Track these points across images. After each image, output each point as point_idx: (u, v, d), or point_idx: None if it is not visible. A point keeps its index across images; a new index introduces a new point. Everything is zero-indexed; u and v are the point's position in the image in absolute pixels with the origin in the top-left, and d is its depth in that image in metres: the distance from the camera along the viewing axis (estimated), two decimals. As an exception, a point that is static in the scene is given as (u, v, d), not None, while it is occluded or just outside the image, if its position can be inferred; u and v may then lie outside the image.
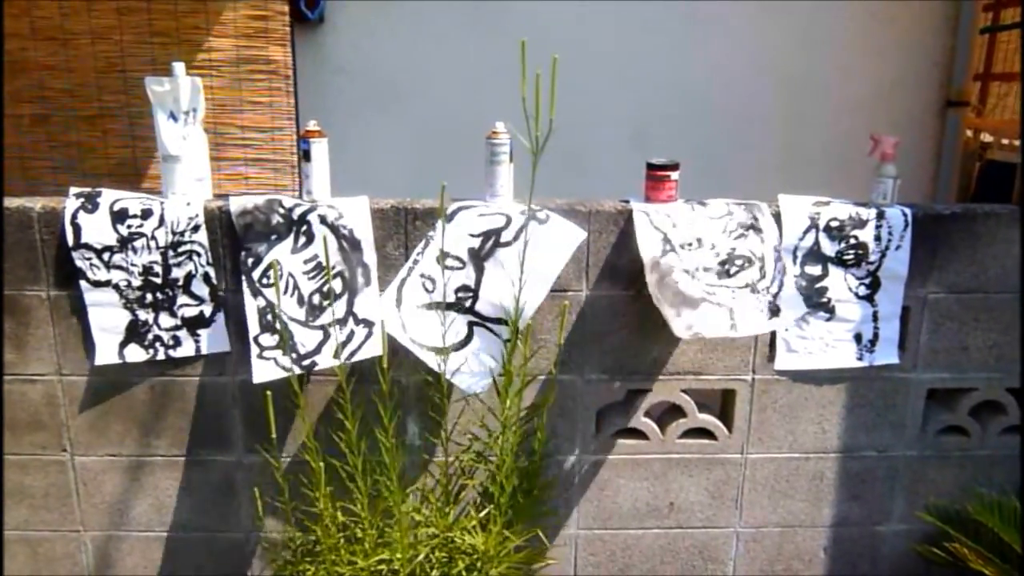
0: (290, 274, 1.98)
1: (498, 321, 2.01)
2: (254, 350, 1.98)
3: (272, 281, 1.96)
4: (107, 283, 1.99)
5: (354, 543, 1.99)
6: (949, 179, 3.67)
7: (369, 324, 2.02)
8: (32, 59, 2.63)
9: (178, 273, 2.00)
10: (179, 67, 2.01)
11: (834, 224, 2.07)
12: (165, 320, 2.03)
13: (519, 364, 1.92)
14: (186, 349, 2.04)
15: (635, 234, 2.00)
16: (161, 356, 2.04)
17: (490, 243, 1.99)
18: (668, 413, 2.23)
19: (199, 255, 1.99)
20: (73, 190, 1.99)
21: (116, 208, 1.97)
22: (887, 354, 2.15)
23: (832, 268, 2.10)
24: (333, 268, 1.99)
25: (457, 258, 2.01)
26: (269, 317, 1.99)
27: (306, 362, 1.99)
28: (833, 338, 2.14)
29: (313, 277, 2.00)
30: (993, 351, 2.19)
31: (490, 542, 1.90)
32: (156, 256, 1.98)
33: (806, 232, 2.08)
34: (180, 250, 1.99)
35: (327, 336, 2.00)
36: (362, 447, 1.88)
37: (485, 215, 2.01)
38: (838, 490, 2.27)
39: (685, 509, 2.26)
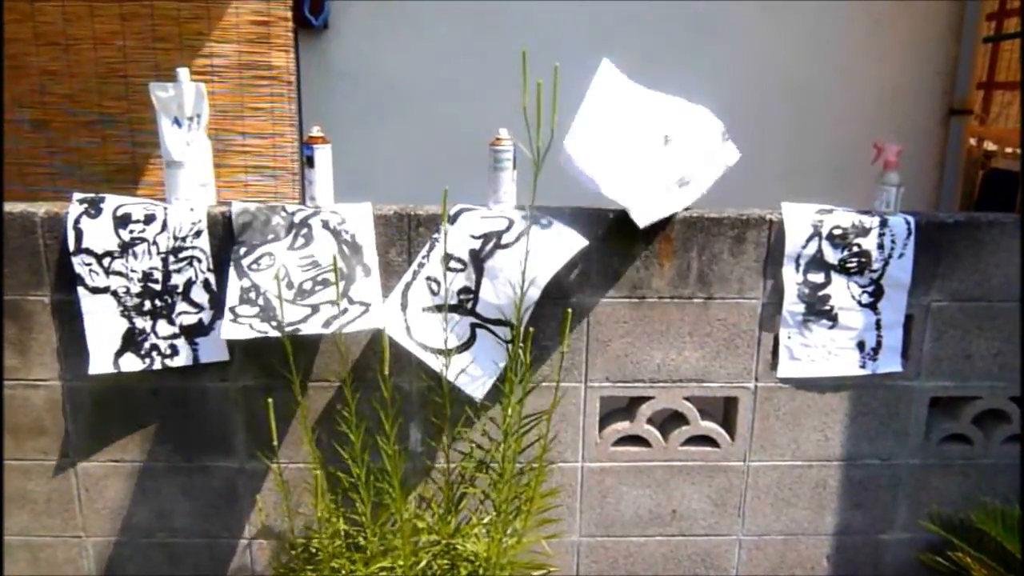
0: (284, 265, 1.95)
1: (498, 323, 2.01)
2: (227, 316, 1.88)
3: (262, 268, 1.92)
4: (105, 289, 1.98)
5: (356, 550, 1.98)
6: (952, 187, 3.67)
7: (365, 304, 1.96)
8: (34, 64, 2.63)
9: (178, 279, 1.99)
10: (183, 73, 2.00)
11: (837, 232, 2.07)
12: (163, 328, 2.01)
13: (521, 371, 1.92)
14: (183, 358, 2.02)
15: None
16: (157, 366, 2.02)
17: (491, 244, 1.99)
18: (670, 420, 2.23)
19: (200, 261, 1.98)
20: (77, 195, 1.98)
21: (119, 213, 1.96)
22: (890, 362, 2.15)
23: (835, 276, 2.10)
24: (332, 265, 1.95)
25: (459, 260, 2.00)
26: (252, 295, 1.91)
27: (289, 329, 1.88)
28: (836, 346, 2.14)
29: (308, 270, 1.97)
30: (997, 360, 2.18)
31: (492, 549, 1.90)
32: (156, 262, 1.97)
33: (809, 240, 2.07)
34: (181, 256, 1.97)
35: (315, 311, 1.92)
36: (365, 457, 1.88)
37: (488, 217, 2.01)
38: (841, 498, 2.27)
39: (688, 516, 2.26)
